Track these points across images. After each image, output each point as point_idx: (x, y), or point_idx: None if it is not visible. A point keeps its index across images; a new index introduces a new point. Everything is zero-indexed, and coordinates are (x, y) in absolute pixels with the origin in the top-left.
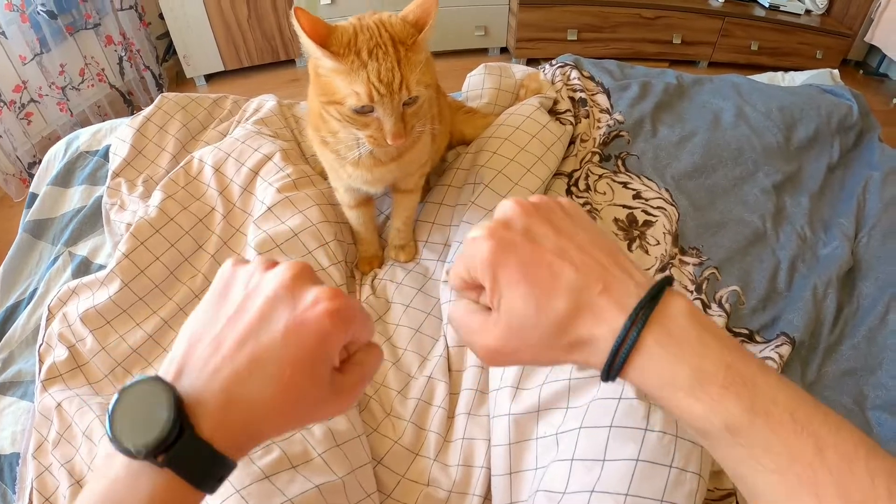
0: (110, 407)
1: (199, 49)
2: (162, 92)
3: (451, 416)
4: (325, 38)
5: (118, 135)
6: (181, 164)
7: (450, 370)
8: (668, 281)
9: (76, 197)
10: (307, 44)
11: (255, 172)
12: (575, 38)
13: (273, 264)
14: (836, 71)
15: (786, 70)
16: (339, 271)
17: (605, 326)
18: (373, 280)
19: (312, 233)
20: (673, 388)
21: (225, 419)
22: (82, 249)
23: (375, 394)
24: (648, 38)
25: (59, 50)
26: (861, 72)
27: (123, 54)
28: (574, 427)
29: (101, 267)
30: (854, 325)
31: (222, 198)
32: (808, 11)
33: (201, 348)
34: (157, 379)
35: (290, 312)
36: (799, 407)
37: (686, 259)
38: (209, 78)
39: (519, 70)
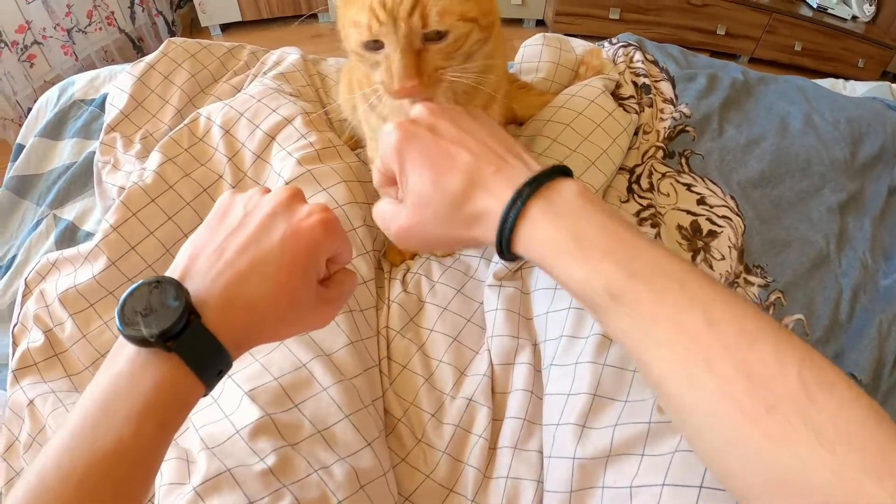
0: (120, 301)
1: None
2: None
3: (492, 447)
4: None
5: (117, 83)
6: (185, 122)
7: (493, 392)
8: (563, 170)
9: (66, 151)
10: None
11: (271, 137)
12: (617, 17)
13: (268, 191)
14: (894, 85)
15: (828, 77)
16: (366, 263)
17: (496, 199)
18: (405, 275)
19: (338, 215)
20: (556, 255)
21: (227, 316)
22: (69, 213)
23: (405, 415)
24: (692, 25)
25: None
26: None
27: None
28: (656, 482)
29: (89, 235)
30: None
31: (231, 165)
32: (854, 17)
33: (203, 257)
34: (164, 277)
35: (287, 223)
36: (689, 280)
37: (751, 279)
38: (225, 28)
39: (579, 45)
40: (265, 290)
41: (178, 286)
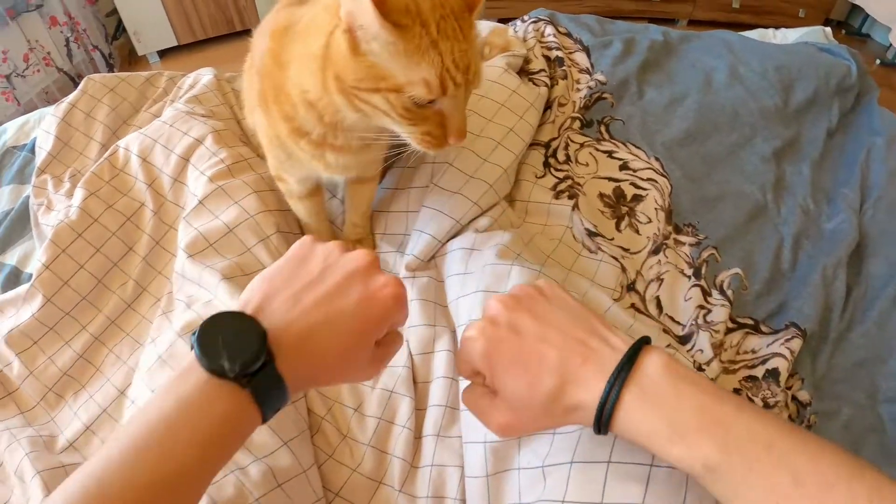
0: (197, 330)
1: (149, 24)
2: (113, 72)
3: (417, 436)
4: (383, 1)
5: (43, 126)
6: (105, 156)
7: (415, 382)
8: (643, 341)
9: (4, 198)
10: (361, 11)
11: (185, 159)
12: None
13: (347, 248)
14: (828, 29)
15: (767, 27)
16: None
17: (590, 392)
18: None
19: (251, 226)
20: (655, 438)
21: (295, 362)
22: (11, 258)
23: (329, 413)
24: None
25: (0, 35)
26: (843, 31)
27: (70, 35)
28: (564, 461)
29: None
30: (864, 311)
31: (151, 191)
32: None
33: (279, 301)
34: (242, 314)
35: (363, 289)
36: (776, 439)
37: (681, 238)
38: (163, 54)
39: (485, 26)
40: (332, 347)
41: (258, 327)
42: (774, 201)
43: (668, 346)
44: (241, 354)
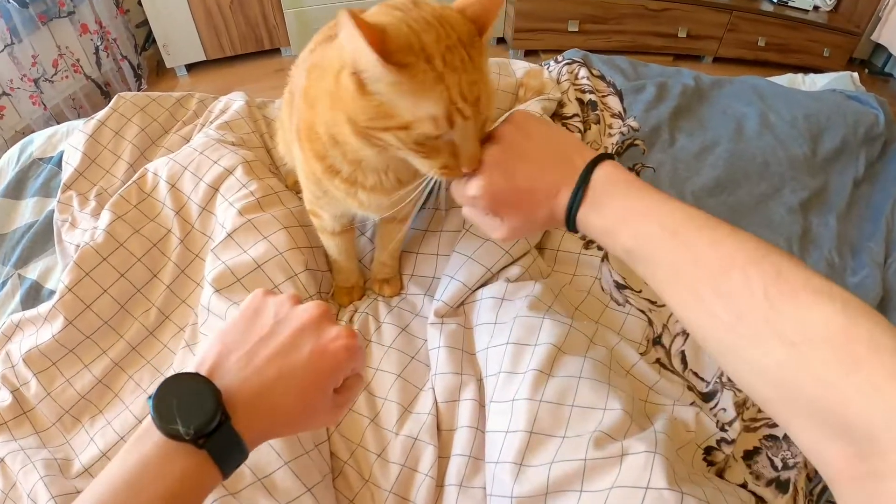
0: (155, 392)
1: (179, 37)
2: (141, 83)
3: (439, 484)
4: (383, 43)
5: (71, 141)
6: (134, 179)
7: (439, 430)
8: (598, 158)
9: (28, 210)
10: (362, 54)
11: (214, 189)
12: (576, 30)
13: (299, 300)
14: (856, 75)
15: (795, 69)
16: None
17: (562, 208)
18: (352, 315)
19: (279, 263)
20: (599, 234)
21: (252, 419)
22: (32, 272)
23: (352, 457)
24: (653, 30)
25: (31, 39)
26: (866, 70)
27: (100, 43)
28: None
29: (52, 293)
30: None
31: (179, 218)
32: (815, 8)
33: (233, 358)
34: (197, 374)
35: (314, 342)
36: (683, 227)
37: None
38: (191, 68)
39: (520, 67)
40: (288, 401)
41: (212, 387)
42: (800, 253)
43: (693, 403)
44: (195, 417)
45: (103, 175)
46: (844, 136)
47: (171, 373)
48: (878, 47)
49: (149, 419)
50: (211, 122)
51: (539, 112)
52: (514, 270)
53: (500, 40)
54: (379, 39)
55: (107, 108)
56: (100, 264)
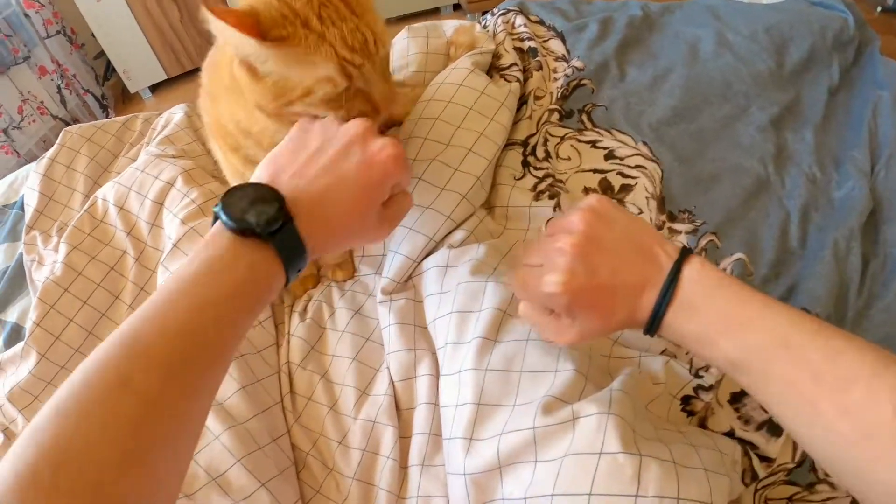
0: (221, 197)
1: (137, 61)
2: (108, 112)
3: (402, 465)
4: (257, 25)
5: (28, 183)
6: (85, 208)
7: (398, 409)
8: (683, 255)
9: (0, 256)
10: (241, 42)
11: (159, 203)
12: None
13: (345, 121)
14: None
15: None
16: None
17: (645, 312)
18: (306, 304)
19: None
20: (690, 342)
21: (309, 223)
22: (12, 315)
23: (314, 447)
24: None
25: None
26: None
27: (60, 82)
28: (546, 493)
29: None
30: (883, 282)
31: (131, 238)
32: None
33: (287, 175)
34: (260, 183)
35: (362, 153)
36: (794, 337)
37: (676, 227)
38: (154, 89)
39: (450, 26)
40: (339, 210)
41: (276, 192)
42: (777, 173)
43: (664, 351)
44: (264, 213)
45: (62, 210)
46: (812, 45)
47: None
48: None
49: (216, 227)
50: (154, 139)
51: (469, 67)
52: (458, 235)
53: (457, 6)
54: (252, 22)
55: (55, 145)
56: (62, 295)
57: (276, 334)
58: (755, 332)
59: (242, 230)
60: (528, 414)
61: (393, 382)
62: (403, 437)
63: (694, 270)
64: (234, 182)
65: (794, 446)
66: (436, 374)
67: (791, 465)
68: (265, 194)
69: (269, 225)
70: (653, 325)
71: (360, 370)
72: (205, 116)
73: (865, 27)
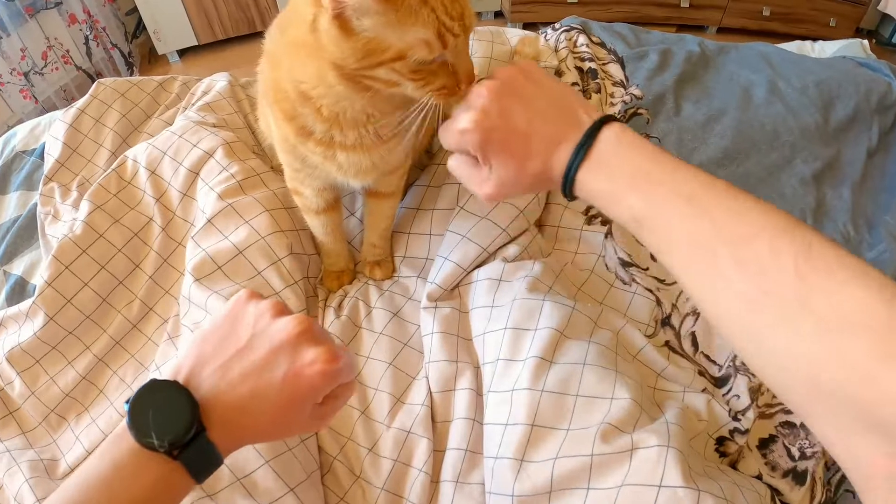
0: (131, 400)
1: (169, 23)
2: (133, 71)
3: (434, 480)
4: None
5: (52, 132)
6: (113, 167)
7: (433, 421)
8: (602, 121)
9: (12, 205)
10: None
11: (195, 173)
12: (575, 1)
13: (282, 311)
14: (866, 42)
15: (800, 40)
16: (295, 294)
17: (560, 167)
18: (341, 301)
19: (261, 248)
20: (600, 198)
21: (226, 431)
22: (17, 268)
23: (341, 452)
24: (654, 0)
25: (19, 33)
26: (873, 41)
27: (89, 33)
28: None
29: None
30: None
31: (160, 205)
32: None
33: (209, 370)
34: (175, 383)
35: (289, 364)
36: (701, 193)
37: None
38: (183, 53)
39: (514, 34)
40: (261, 419)
41: (189, 399)
42: (814, 227)
43: (704, 389)
44: (170, 430)
45: (85, 164)
46: (857, 105)
47: (153, 368)
48: (885, 17)
49: (125, 422)
50: (193, 105)
51: None
52: (512, 249)
53: (498, 14)
54: None
55: (87, 96)
56: (79, 257)
57: None
58: (662, 187)
59: (147, 446)
60: (586, 440)
61: (431, 393)
62: (437, 451)
63: (613, 133)
64: (285, 161)
65: (812, 494)
66: (476, 389)
67: None
68: (176, 403)
69: (174, 444)
70: (566, 181)
71: (396, 376)
72: (261, 83)
73: None
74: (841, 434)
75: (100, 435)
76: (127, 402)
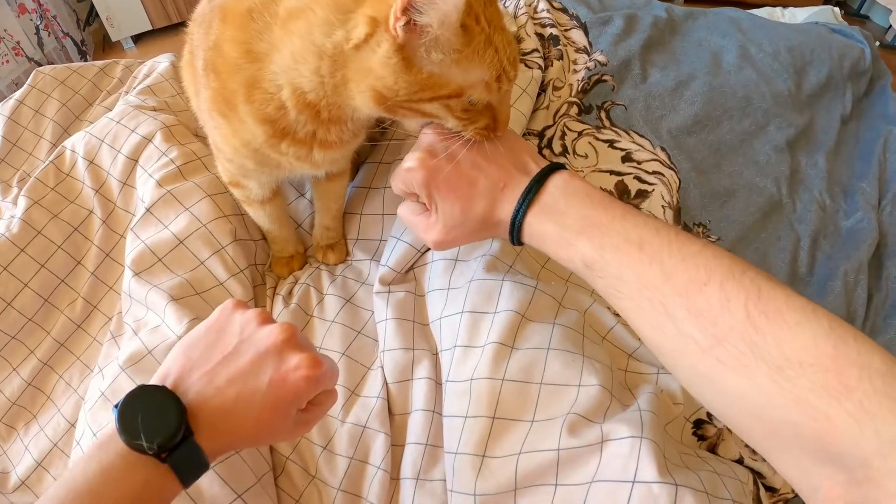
0: (119, 404)
1: (122, 8)
2: (86, 59)
3: (394, 477)
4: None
5: None
6: (51, 158)
7: (391, 414)
8: (554, 167)
9: None
10: (446, 15)
11: (133, 160)
12: None
13: (267, 319)
14: (837, 9)
15: (774, 5)
16: (241, 284)
17: (507, 211)
18: (291, 288)
19: (202, 236)
20: (549, 243)
21: (211, 435)
22: None
23: (294, 451)
24: None
25: None
26: (842, 12)
27: (40, 23)
28: None
29: None
30: (884, 317)
31: (100, 196)
32: None
33: (196, 375)
34: (164, 388)
35: (274, 369)
36: (650, 241)
37: None
38: (137, 39)
39: None
40: (247, 423)
41: (177, 403)
42: (790, 196)
43: None
44: (159, 433)
45: (26, 158)
46: (830, 71)
47: (97, 370)
48: None
49: (112, 427)
50: (134, 88)
51: None
52: None
53: None
54: None
55: (25, 86)
56: (17, 256)
57: None
58: (612, 234)
59: (136, 448)
60: (552, 432)
61: (387, 384)
62: (395, 446)
63: (562, 179)
64: (232, 160)
65: None
66: (436, 378)
67: (790, 496)
68: (164, 406)
69: (163, 447)
70: (514, 224)
71: (351, 367)
72: (212, 80)
73: (879, 61)
74: (799, 467)
75: (49, 444)
76: (115, 406)
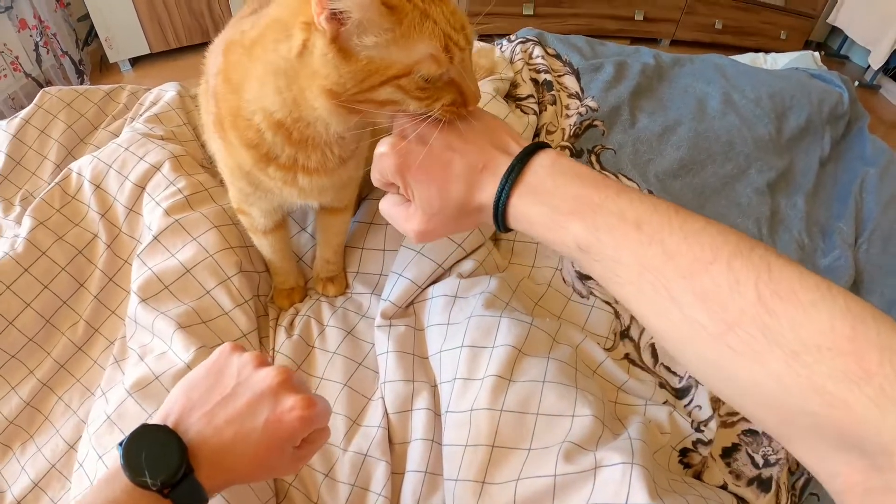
0: (124, 442)
1: (122, 31)
2: (83, 79)
3: None
4: None
5: None
6: (56, 180)
7: (391, 443)
8: (534, 147)
9: None
10: (363, 5)
11: (140, 187)
12: (531, 13)
13: (263, 362)
14: (817, 54)
15: (757, 51)
16: (245, 314)
17: (488, 194)
18: (292, 319)
19: (209, 266)
20: (538, 226)
21: (213, 472)
22: None
23: (297, 478)
24: (609, 14)
25: None
26: (823, 53)
27: (39, 39)
28: None
29: None
30: None
31: (105, 221)
32: None
33: (196, 415)
34: (166, 427)
35: (270, 410)
36: (648, 219)
37: None
38: (135, 62)
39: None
40: (244, 461)
41: (179, 442)
42: (770, 236)
43: (666, 402)
44: (162, 470)
45: (29, 178)
46: (809, 115)
47: (99, 393)
48: (834, 30)
49: (118, 463)
50: (141, 115)
51: (491, 93)
52: (468, 265)
53: None
54: None
55: (31, 105)
56: (21, 276)
57: (260, 349)
58: (606, 213)
59: (140, 484)
60: (548, 460)
61: (387, 414)
62: (396, 474)
63: (548, 158)
64: (233, 184)
65: (778, 501)
66: (434, 409)
67: None
68: (167, 445)
69: (166, 483)
70: (497, 208)
71: (352, 398)
72: (209, 105)
73: (857, 104)
74: (816, 454)
75: (45, 464)
76: (120, 444)
